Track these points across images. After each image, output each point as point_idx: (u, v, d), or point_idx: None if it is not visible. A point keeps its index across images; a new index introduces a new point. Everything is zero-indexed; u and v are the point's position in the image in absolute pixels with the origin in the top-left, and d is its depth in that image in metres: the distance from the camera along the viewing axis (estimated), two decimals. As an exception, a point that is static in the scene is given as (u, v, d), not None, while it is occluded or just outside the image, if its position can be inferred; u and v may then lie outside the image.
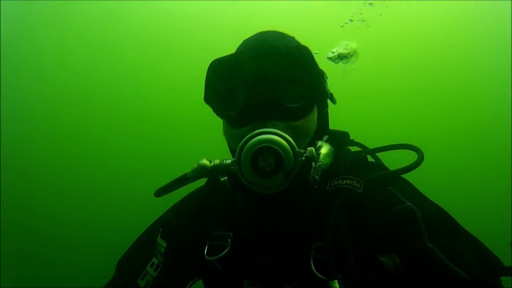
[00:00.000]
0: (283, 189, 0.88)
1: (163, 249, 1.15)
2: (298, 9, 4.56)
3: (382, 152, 1.29)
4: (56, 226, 4.35)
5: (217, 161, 0.97)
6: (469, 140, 4.35)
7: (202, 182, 1.21)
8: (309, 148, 0.90)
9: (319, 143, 0.96)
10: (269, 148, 0.85)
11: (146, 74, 4.81)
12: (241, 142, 0.89)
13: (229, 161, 0.94)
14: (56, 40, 4.75)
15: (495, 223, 3.34)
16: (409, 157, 1.15)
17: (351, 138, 1.27)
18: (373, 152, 1.28)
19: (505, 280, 0.92)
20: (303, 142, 0.97)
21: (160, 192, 1.10)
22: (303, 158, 0.88)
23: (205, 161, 0.99)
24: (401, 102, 4.49)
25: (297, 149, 0.87)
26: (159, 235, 1.19)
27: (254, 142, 0.86)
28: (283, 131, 0.90)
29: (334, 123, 1.23)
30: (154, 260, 1.17)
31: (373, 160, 1.27)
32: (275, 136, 0.86)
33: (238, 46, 1.12)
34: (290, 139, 0.87)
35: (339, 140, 1.20)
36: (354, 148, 1.27)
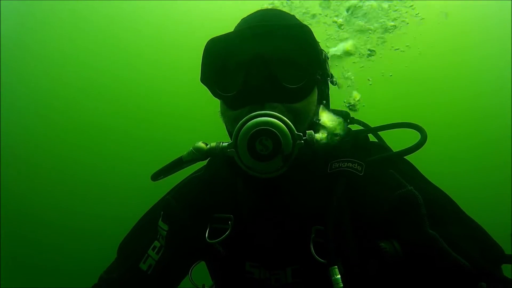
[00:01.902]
0: (282, 172, 0.87)
1: (165, 233, 1.15)
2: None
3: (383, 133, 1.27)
4: (54, 213, 4.43)
5: (213, 144, 0.95)
6: (469, 131, 4.36)
7: (200, 164, 1.19)
8: (308, 131, 0.88)
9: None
10: (267, 131, 0.83)
11: (146, 66, 4.83)
12: (238, 125, 0.86)
13: (225, 144, 0.92)
14: (56, 38, 4.77)
15: (495, 213, 3.34)
16: (411, 136, 1.11)
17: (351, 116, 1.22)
18: (375, 130, 1.25)
19: (506, 268, 0.91)
20: (302, 125, 0.94)
21: (156, 176, 1.09)
22: (302, 141, 0.85)
23: (201, 144, 0.97)
24: (402, 94, 4.49)
25: (296, 132, 0.85)
26: (160, 219, 1.18)
27: (251, 125, 0.84)
28: (281, 114, 0.87)
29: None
30: (156, 243, 1.17)
31: (374, 139, 1.25)
32: (273, 118, 0.84)
33: (236, 24, 1.08)
34: (288, 122, 0.84)
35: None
36: (355, 127, 1.25)
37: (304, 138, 0.86)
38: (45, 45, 4.75)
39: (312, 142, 0.87)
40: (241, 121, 0.86)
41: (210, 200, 1.14)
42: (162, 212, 1.19)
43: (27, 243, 4.42)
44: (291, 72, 0.94)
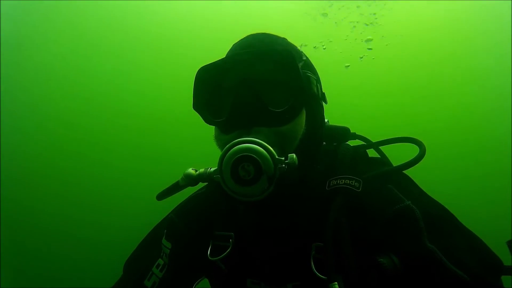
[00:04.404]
0: (270, 193, 0.88)
1: (168, 250, 1.17)
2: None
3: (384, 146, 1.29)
4: (58, 222, 4.40)
5: (201, 170, 0.99)
6: (468, 137, 4.36)
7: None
8: (290, 155, 0.90)
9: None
10: (248, 157, 0.85)
11: (148, 72, 4.82)
12: (222, 152, 0.90)
13: (212, 170, 0.96)
14: (56, 39, 4.78)
15: (494, 221, 3.34)
16: (410, 150, 1.13)
17: (352, 132, 1.26)
18: (374, 146, 1.27)
19: (505, 279, 0.92)
20: (290, 147, 0.97)
21: (161, 196, 1.12)
22: (284, 165, 0.87)
23: (190, 170, 1.01)
24: (401, 100, 4.51)
25: (276, 156, 0.87)
26: (164, 237, 1.21)
27: (233, 152, 0.87)
28: (267, 137, 0.91)
29: (337, 121, 1.23)
30: (160, 261, 1.19)
31: (375, 155, 1.26)
32: (254, 144, 0.86)
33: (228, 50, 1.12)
34: (268, 147, 0.87)
35: (339, 136, 1.20)
36: (355, 142, 1.27)
37: (286, 161, 0.88)
38: (45, 47, 4.76)
39: (294, 165, 0.89)
40: (224, 148, 0.90)
41: (211, 218, 1.17)
42: (165, 231, 1.22)
43: (27, 251, 4.40)
44: (276, 96, 0.97)
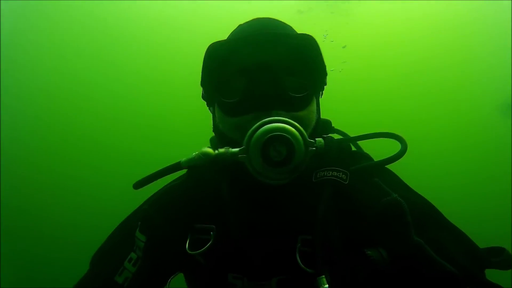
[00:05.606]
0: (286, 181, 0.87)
1: (142, 244, 1.09)
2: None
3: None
4: (53, 226, 4.32)
5: (221, 150, 0.92)
6: (468, 142, 4.45)
7: (178, 174, 1.15)
8: (317, 139, 0.89)
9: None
10: (281, 137, 0.83)
11: (142, 75, 4.83)
12: (249, 130, 0.86)
13: (235, 150, 0.90)
14: (55, 42, 4.74)
15: (494, 225, 3.41)
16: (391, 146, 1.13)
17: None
18: (355, 140, 1.28)
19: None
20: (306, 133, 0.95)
21: (140, 184, 1.06)
22: (314, 148, 0.87)
23: (208, 149, 0.94)
24: (399, 103, 4.58)
25: (308, 139, 0.86)
26: (137, 229, 1.13)
27: (265, 130, 0.84)
28: None
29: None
30: (133, 255, 1.11)
31: (355, 149, 1.27)
32: (287, 125, 0.84)
33: (232, 30, 1.08)
34: (301, 128, 0.86)
35: (323, 128, 1.18)
36: (335, 136, 1.26)
37: (315, 145, 0.88)
38: (44, 51, 4.70)
39: (321, 149, 0.88)
40: (253, 127, 0.86)
41: (191, 209, 1.10)
42: (139, 223, 1.14)
43: (27, 251, 4.26)
44: (295, 80, 0.97)
